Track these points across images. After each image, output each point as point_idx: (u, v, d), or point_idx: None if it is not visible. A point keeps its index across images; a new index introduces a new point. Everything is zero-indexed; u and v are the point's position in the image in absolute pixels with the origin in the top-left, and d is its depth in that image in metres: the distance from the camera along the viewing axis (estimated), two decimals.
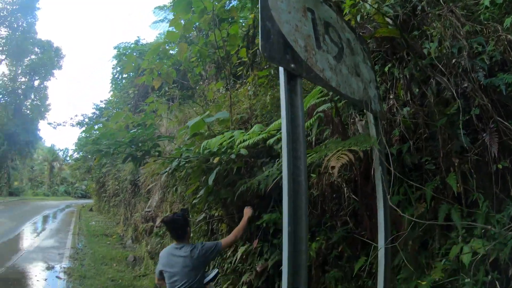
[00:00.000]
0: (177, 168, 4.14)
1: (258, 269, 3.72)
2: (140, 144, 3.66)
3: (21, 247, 10.30)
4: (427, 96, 2.42)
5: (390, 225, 2.12)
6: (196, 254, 2.89)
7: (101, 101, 22.33)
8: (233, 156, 3.54)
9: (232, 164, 3.64)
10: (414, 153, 2.45)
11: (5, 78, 27.01)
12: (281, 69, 1.55)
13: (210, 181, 3.45)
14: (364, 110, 2.24)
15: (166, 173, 6.21)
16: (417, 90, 2.49)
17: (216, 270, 3.34)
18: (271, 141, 3.40)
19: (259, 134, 3.43)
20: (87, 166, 23.06)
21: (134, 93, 13.77)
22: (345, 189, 2.90)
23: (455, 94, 2.20)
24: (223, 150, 3.66)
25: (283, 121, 1.50)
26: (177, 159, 3.90)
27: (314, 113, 2.98)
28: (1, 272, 7.46)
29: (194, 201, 4.46)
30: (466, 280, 1.93)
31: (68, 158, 49.46)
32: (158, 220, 7.52)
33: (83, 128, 24.51)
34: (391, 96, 2.53)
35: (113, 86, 18.46)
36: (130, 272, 8.18)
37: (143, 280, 7.40)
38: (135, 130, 3.56)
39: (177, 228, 3.03)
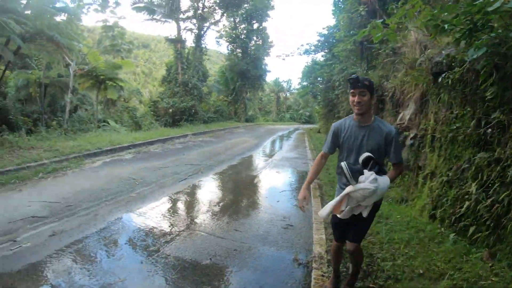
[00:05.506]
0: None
1: None
2: None
3: (269, 158, 12.05)
4: None
5: None
6: None
7: (323, 28, 22.65)
8: None
9: None
10: None
11: (227, 29, 33.16)
12: None
13: None
14: None
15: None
16: None
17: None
18: None
19: None
20: (317, 90, 24.33)
21: (365, 10, 12.83)
22: None
23: None
24: None
25: None
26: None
27: None
28: (256, 174, 8.94)
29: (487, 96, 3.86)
30: None
31: (291, 88, 55.37)
32: (413, 132, 7.03)
33: (310, 56, 26.00)
34: None
35: (334, 9, 18.13)
36: None
37: None
38: None
39: None
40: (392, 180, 2.79)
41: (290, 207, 6.12)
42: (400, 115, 8.01)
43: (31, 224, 4.69)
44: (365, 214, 2.76)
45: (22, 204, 5.44)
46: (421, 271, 3.61)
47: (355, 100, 2.74)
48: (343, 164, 2.68)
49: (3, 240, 4.17)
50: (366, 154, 2.72)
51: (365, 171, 2.66)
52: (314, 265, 3.79)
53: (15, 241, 4.16)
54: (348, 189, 2.67)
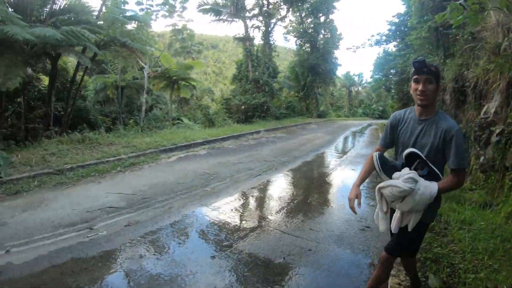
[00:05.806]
0: None
1: None
2: None
3: (343, 154, 11.59)
4: None
5: None
6: None
7: (393, 16, 21.42)
8: None
9: None
10: None
11: (294, 24, 32.74)
12: None
13: None
14: None
15: None
16: None
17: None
18: None
19: None
20: (390, 83, 23.15)
21: None
22: None
23: None
24: None
25: None
26: None
27: None
28: (331, 171, 8.59)
29: None
30: None
31: (363, 81, 53.55)
32: (499, 128, 6.24)
33: (381, 47, 24.82)
34: None
35: None
36: None
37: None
38: None
39: None
40: (444, 191, 2.31)
41: (367, 207, 5.68)
42: (484, 108, 7.22)
43: (108, 214, 4.86)
44: (409, 227, 2.35)
45: (100, 195, 5.69)
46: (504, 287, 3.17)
47: (419, 89, 2.31)
48: (375, 154, 2.41)
49: (81, 228, 4.35)
50: (410, 149, 2.33)
51: (406, 169, 2.27)
52: (391, 271, 3.47)
53: (92, 229, 4.32)
54: (381, 184, 2.35)
